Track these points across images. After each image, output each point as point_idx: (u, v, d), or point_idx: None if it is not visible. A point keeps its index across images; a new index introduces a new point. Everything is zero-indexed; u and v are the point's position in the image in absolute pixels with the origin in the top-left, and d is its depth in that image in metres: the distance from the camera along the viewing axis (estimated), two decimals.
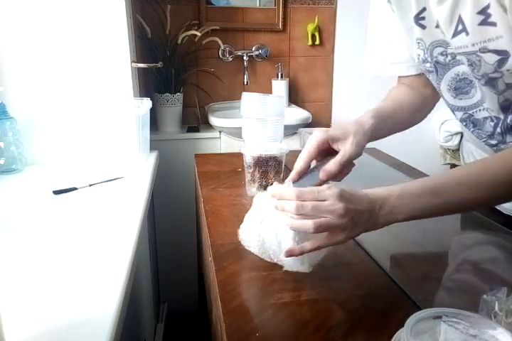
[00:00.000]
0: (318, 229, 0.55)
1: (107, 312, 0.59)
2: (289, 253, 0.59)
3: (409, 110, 0.86)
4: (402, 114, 0.84)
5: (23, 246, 0.79)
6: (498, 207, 0.88)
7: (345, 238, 0.57)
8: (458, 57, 0.69)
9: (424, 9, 0.71)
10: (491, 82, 0.66)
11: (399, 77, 0.90)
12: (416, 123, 0.88)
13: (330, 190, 0.56)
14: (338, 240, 0.57)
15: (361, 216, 0.56)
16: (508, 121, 0.70)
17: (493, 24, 0.59)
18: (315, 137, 0.68)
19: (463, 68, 0.70)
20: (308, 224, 0.56)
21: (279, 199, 0.59)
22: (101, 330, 0.55)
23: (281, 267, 0.67)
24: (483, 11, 0.59)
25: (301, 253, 0.58)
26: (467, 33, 0.63)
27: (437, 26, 0.69)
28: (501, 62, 0.61)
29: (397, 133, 0.85)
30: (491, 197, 0.60)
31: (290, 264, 0.63)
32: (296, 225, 0.57)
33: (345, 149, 0.68)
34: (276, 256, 0.64)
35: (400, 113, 0.84)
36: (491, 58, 0.62)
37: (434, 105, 0.89)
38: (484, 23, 0.60)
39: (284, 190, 0.59)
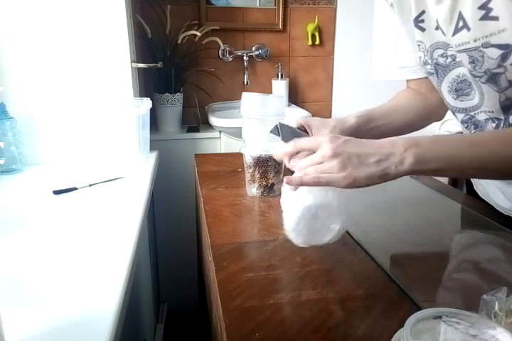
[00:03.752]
0: (311, 176, 0.56)
1: (107, 312, 0.59)
2: (287, 182, 0.59)
3: (409, 114, 0.86)
4: (400, 117, 0.84)
5: (23, 246, 0.79)
6: (498, 207, 0.88)
7: (345, 177, 0.55)
8: (458, 59, 0.68)
9: (423, 12, 0.71)
10: (493, 78, 0.65)
11: (407, 81, 0.90)
12: (418, 129, 0.87)
13: (322, 136, 0.57)
14: (336, 179, 0.55)
15: (365, 158, 0.55)
16: (510, 121, 0.70)
17: (495, 18, 0.59)
18: (293, 121, 0.74)
19: (463, 70, 0.69)
20: (298, 176, 0.57)
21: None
22: (101, 330, 0.55)
23: (281, 267, 0.67)
24: (484, 6, 0.60)
25: (300, 183, 0.58)
26: (468, 29, 0.63)
27: (437, 28, 0.69)
28: (504, 57, 0.61)
29: (405, 131, 0.86)
30: None
31: (289, 233, 0.65)
32: (291, 180, 0.58)
33: None
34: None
35: (397, 116, 0.84)
36: (494, 53, 0.62)
37: (443, 113, 0.88)
38: (485, 17, 0.60)
39: (276, 150, 0.61)
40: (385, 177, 0.56)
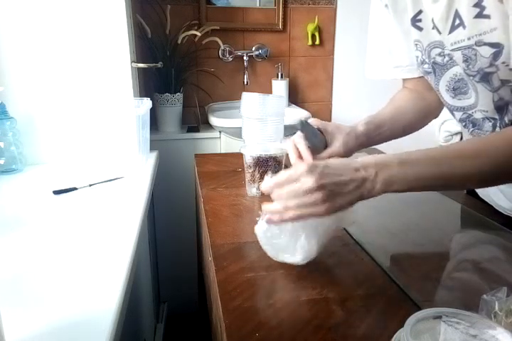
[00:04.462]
0: (292, 214, 0.57)
1: (107, 312, 0.59)
2: (269, 221, 0.61)
3: (410, 115, 0.87)
4: (402, 119, 0.85)
5: (23, 246, 0.79)
6: (498, 208, 0.88)
7: (327, 209, 0.56)
8: (455, 57, 0.69)
9: (420, 12, 0.72)
10: (486, 77, 0.66)
11: (403, 80, 0.91)
12: (418, 128, 0.89)
13: (300, 168, 0.57)
14: (318, 212, 0.57)
15: (344, 186, 0.56)
16: (506, 120, 0.70)
17: (487, 16, 0.60)
18: (313, 122, 0.77)
19: (459, 69, 0.70)
20: (278, 209, 0.58)
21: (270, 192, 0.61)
22: (101, 330, 0.55)
23: (281, 267, 0.67)
24: (479, 4, 0.60)
25: (282, 220, 0.59)
26: (464, 27, 0.63)
27: (434, 27, 0.69)
28: (496, 55, 0.62)
29: (407, 132, 0.87)
30: (493, 173, 0.59)
31: (283, 255, 0.66)
32: (271, 221, 0.60)
33: (332, 149, 0.76)
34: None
35: (399, 118, 0.85)
36: (486, 51, 0.62)
37: (439, 111, 0.89)
38: (479, 15, 0.61)
39: (263, 184, 0.60)
40: (359, 200, 0.58)
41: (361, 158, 0.59)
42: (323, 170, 0.57)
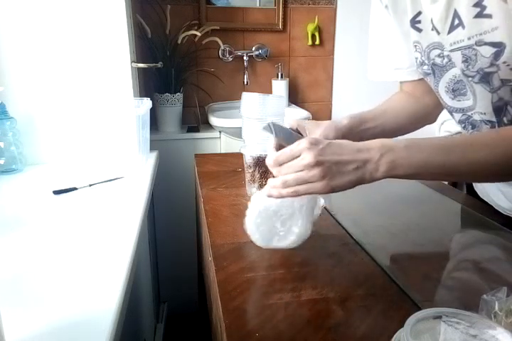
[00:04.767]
0: (290, 185, 0.57)
1: (107, 312, 0.59)
2: (268, 195, 0.61)
3: (401, 116, 0.86)
4: (393, 119, 0.85)
5: (23, 246, 0.79)
6: (497, 208, 0.88)
7: (324, 187, 0.56)
8: (453, 59, 0.68)
9: (419, 13, 0.72)
10: (485, 78, 0.65)
11: (401, 83, 0.90)
12: (411, 131, 0.87)
13: (300, 144, 0.57)
14: (315, 188, 0.57)
15: (343, 166, 0.56)
16: (505, 121, 0.70)
17: (489, 16, 0.60)
18: (286, 124, 0.75)
19: (458, 70, 0.70)
20: (277, 184, 0.58)
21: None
22: (101, 330, 0.55)
23: (281, 267, 0.67)
24: (479, 3, 0.60)
25: (278, 196, 0.60)
26: (463, 27, 0.63)
27: (433, 28, 0.69)
28: (497, 55, 0.61)
29: (398, 134, 0.86)
30: (505, 166, 0.58)
31: (248, 227, 0.67)
32: (271, 194, 0.60)
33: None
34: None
35: (390, 118, 0.85)
36: (487, 51, 0.62)
37: (435, 117, 0.89)
38: (480, 15, 0.60)
39: (267, 159, 0.61)
40: (360, 182, 0.58)
41: (368, 141, 0.59)
42: (325, 147, 0.57)
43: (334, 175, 0.56)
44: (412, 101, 0.88)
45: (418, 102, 0.87)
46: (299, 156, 0.57)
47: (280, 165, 0.59)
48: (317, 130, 0.75)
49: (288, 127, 0.74)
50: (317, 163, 0.56)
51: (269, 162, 0.61)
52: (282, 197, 0.60)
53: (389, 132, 0.84)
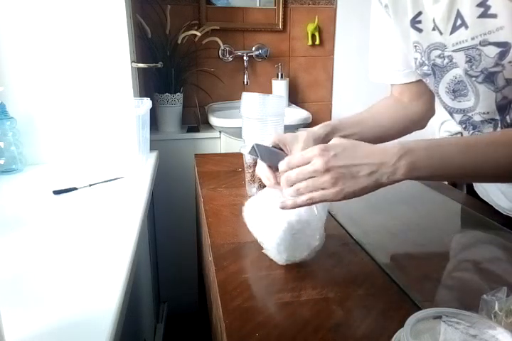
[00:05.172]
0: (302, 193, 0.56)
1: (107, 312, 0.59)
2: (282, 206, 0.59)
3: (385, 123, 0.85)
4: (372, 126, 0.84)
5: (23, 246, 0.79)
6: (498, 208, 0.88)
7: (336, 193, 0.55)
8: (455, 60, 0.68)
9: (420, 13, 0.71)
10: (490, 77, 0.65)
11: (391, 87, 0.90)
12: (396, 137, 0.86)
13: (312, 150, 0.56)
14: (327, 196, 0.56)
15: (356, 170, 0.55)
16: (508, 120, 0.70)
17: (494, 16, 0.59)
18: (267, 141, 0.72)
19: (460, 71, 0.69)
20: (289, 192, 0.57)
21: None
22: (101, 330, 0.55)
23: (281, 267, 0.67)
24: (483, 3, 0.60)
25: (294, 206, 0.58)
26: (466, 27, 0.63)
27: (434, 29, 0.69)
28: (502, 55, 0.61)
29: (380, 141, 0.85)
30: None
31: (270, 251, 0.66)
32: (286, 205, 0.58)
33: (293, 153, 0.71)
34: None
35: (370, 125, 0.83)
36: (492, 51, 0.62)
37: (425, 122, 0.88)
38: (484, 15, 0.60)
39: (280, 165, 0.60)
40: (378, 187, 0.56)
41: (385, 143, 0.58)
42: (337, 153, 0.56)
43: (347, 181, 0.55)
44: (399, 108, 0.87)
45: (405, 109, 0.86)
46: (309, 162, 0.56)
47: (289, 169, 0.58)
48: (296, 145, 0.73)
49: (271, 145, 0.73)
50: (327, 169, 0.55)
51: (282, 168, 0.59)
52: (298, 206, 0.59)
53: (371, 139, 0.81)
